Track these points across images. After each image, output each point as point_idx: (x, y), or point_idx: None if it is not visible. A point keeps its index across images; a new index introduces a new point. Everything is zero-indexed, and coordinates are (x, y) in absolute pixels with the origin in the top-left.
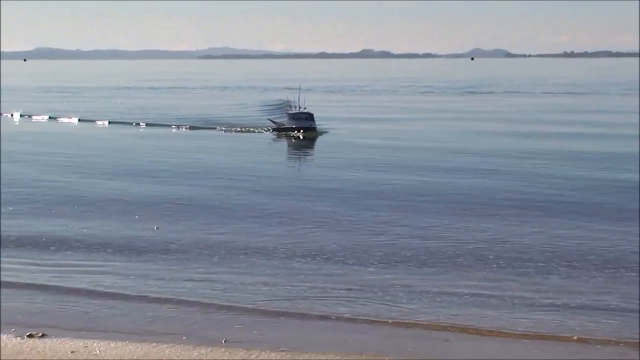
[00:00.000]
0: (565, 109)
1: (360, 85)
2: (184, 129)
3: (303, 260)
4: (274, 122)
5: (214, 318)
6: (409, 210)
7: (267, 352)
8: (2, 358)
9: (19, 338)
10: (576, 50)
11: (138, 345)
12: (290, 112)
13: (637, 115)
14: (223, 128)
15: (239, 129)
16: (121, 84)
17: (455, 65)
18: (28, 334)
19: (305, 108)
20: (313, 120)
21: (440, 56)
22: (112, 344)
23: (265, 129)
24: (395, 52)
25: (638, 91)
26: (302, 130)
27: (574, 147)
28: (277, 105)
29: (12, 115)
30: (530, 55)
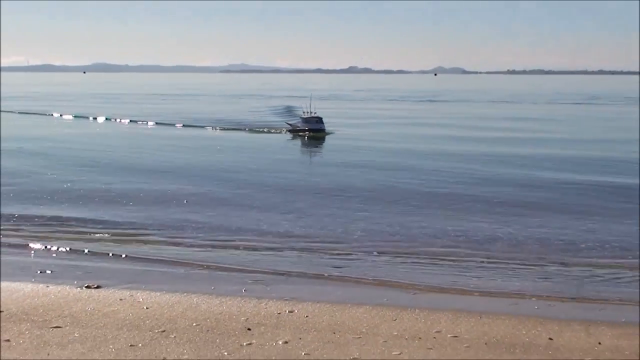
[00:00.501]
0: (502, 117)
1: (348, 94)
2: (217, 130)
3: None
4: (290, 125)
5: (234, 276)
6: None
7: (274, 300)
8: (64, 302)
9: (78, 288)
10: (517, 69)
11: (172, 295)
12: (303, 116)
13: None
14: (247, 129)
15: (261, 130)
16: (160, 92)
17: (421, 79)
18: (86, 285)
19: (315, 113)
20: (322, 123)
21: (410, 72)
22: (152, 294)
23: (283, 130)
24: (375, 69)
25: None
26: (313, 132)
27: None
28: (282, 109)
29: (96, 118)
30: (480, 72)
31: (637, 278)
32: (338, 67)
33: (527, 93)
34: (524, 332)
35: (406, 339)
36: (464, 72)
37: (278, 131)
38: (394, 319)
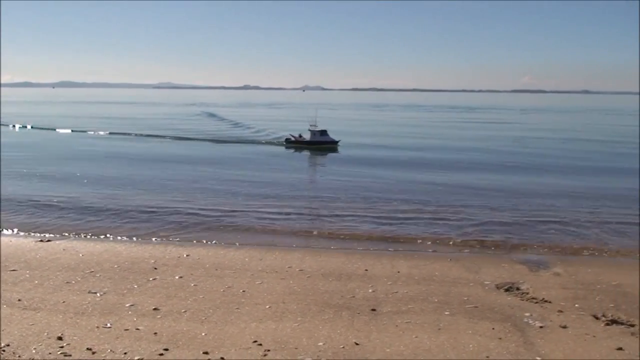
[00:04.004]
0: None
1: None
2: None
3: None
4: (294, 137)
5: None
6: None
7: (176, 247)
8: (21, 252)
9: (34, 242)
10: (359, 87)
11: (102, 245)
12: (311, 129)
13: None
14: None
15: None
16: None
17: (294, 94)
18: (39, 239)
19: (316, 126)
20: (327, 134)
21: (286, 89)
22: (87, 244)
23: (280, 142)
24: (262, 86)
25: None
26: (321, 144)
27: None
28: (198, 115)
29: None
30: (334, 89)
31: (432, 221)
32: (235, 85)
33: (362, 103)
34: (349, 266)
35: (267, 272)
36: (323, 89)
37: (277, 143)
38: (260, 258)
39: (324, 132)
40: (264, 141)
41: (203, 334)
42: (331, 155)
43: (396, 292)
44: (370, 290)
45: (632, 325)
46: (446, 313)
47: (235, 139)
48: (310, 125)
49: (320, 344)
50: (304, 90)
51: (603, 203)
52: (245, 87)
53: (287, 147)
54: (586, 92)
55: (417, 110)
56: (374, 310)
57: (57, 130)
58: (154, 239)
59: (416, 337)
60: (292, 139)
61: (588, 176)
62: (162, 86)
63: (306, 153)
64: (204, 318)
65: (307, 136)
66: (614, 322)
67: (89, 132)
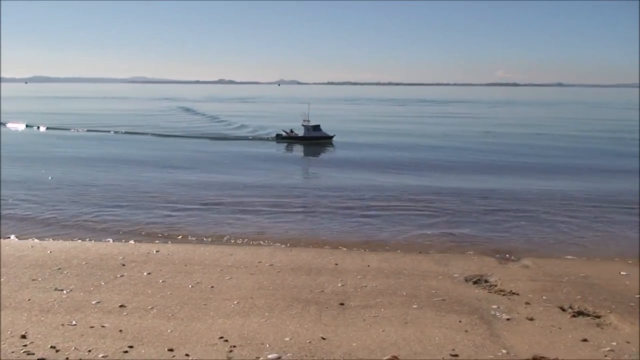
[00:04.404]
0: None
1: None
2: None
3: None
4: (286, 132)
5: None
6: None
7: (146, 244)
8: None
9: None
10: (335, 81)
11: (71, 242)
12: (304, 125)
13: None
14: (250, 137)
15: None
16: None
17: (269, 88)
18: (7, 236)
19: (309, 121)
20: (320, 129)
21: (261, 83)
22: (55, 242)
23: (271, 138)
24: (237, 81)
25: None
26: (315, 139)
27: None
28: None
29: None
30: (309, 84)
31: (402, 214)
32: (210, 79)
33: (336, 97)
34: (319, 260)
35: (236, 268)
36: (299, 83)
37: (270, 139)
38: (230, 254)
39: (317, 127)
40: (250, 137)
41: (169, 331)
42: (309, 156)
43: (365, 286)
44: (339, 285)
45: (598, 317)
46: (414, 306)
47: (223, 136)
48: (304, 121)
49: (287, 339)
50: (279, 85)
51: (573, 196)
52: (221, 82)
53: (278, 143)
54: (560, 84)
55: (388, 104)
56: (342, 304)
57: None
58: (123, 239)
59: (383, 330)
60: (284, 134)
61: (561, 173)
62: (136, 80)
63: (299, 149)
64: (170, 315)
65: (299, 132)
66: (580, 313)
67: (39, 129)
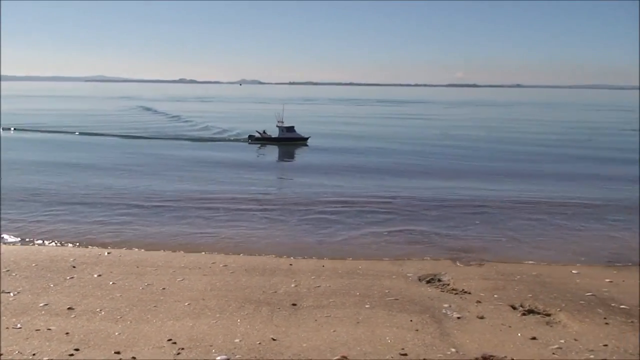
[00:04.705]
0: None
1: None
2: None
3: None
4: (259, 133)
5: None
6: None
7: (98, 247)
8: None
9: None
10: (296, 81)
11: (23, 245)
12: (278, 126)
13: None
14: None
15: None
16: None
17: (230, 88)
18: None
19: (283, 122)
20: (294, 131)
21: (222, 83)
22: (5, 246)
23: (242, 139)
24: (198, 80)
25: None
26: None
27: None
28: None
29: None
30: (271, 83)
31: (359, 214)
32: (171, 79)
33: (296, 97)
34: (274, 260)
35: (190, 269)
36: (260, 83)
37: (243, 140)
38: (184, 255)
39: (290, 129)
40: (231, 138)
41: (117, 334)
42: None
43: (319, 287)
44: (292, 285)
45: (548, 315)
46: (366, 306)
47: (189, 137)
48: (278, 122)
49: (237, 340)
50: (240, 84)
51: (529, 199)
52: (181, 81)
53: (250, 144)
54: (518, 85)
55: (346, 104)
56: (294, 305)
57: None
58: (77, 242)
59: (334, 331)
60: (257, 135)
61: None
62: (93, 79)
63: (274, 149)
64: (119, 317)
65: (271, 133)
66: (530, 312)
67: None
